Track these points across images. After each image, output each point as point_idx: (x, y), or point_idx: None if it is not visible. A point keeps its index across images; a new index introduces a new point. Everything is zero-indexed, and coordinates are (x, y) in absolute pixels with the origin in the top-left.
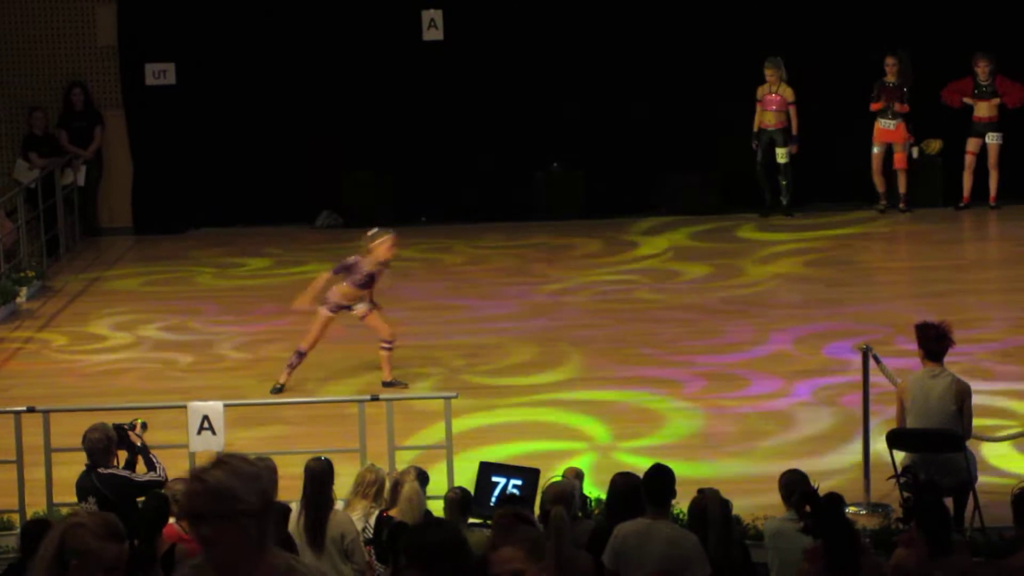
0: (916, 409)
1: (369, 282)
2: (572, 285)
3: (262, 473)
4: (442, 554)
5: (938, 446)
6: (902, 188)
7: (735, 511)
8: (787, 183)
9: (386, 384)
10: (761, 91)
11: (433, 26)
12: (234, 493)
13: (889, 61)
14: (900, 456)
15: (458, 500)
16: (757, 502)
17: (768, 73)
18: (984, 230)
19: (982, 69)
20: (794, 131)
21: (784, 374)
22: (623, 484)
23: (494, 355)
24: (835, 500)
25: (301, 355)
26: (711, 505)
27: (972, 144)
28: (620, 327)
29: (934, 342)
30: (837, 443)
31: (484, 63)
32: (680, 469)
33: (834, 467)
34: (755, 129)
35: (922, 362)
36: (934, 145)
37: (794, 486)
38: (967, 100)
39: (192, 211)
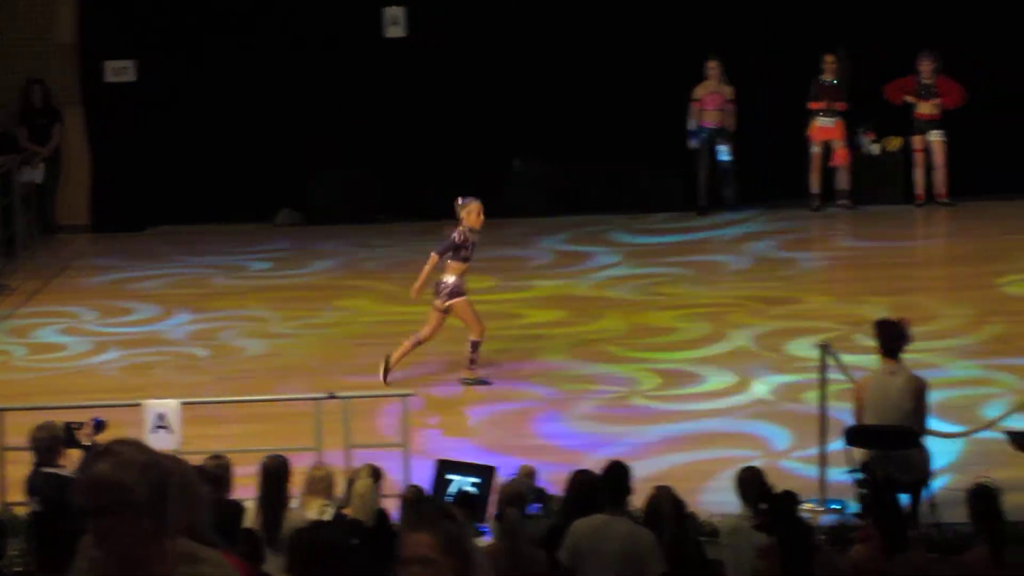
0: (874, 406)
1: (470, 253)
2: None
3: (158, 462)
4: (315, 556)
5: (896, 443)
6: (845, 185)
7: (691, 508)
8: (730, 180)
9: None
10: (700, 90)
11: (395, 23)
12: (122, 484)
13: (828, 58)
14: (858, 453)
15: (412, 499)
16: (713, 499)
17: (709, 69)
18: (934, 227)
19: (925, 68)
20: (732, 129)
21: (742, 371)
22: (580, 481)
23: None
24: (790, 497)
25: (476, 346)
26: (664, 503)
27: (918, 142)
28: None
29: (892, 339)
30: (794, 440)
31: (447, 60)
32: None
33: (791, 464)
34: (694, 128)
35: (880, 359)
36: (893, 142)
37: (749, 483)
38: (908, 98)
39: (151, 209)
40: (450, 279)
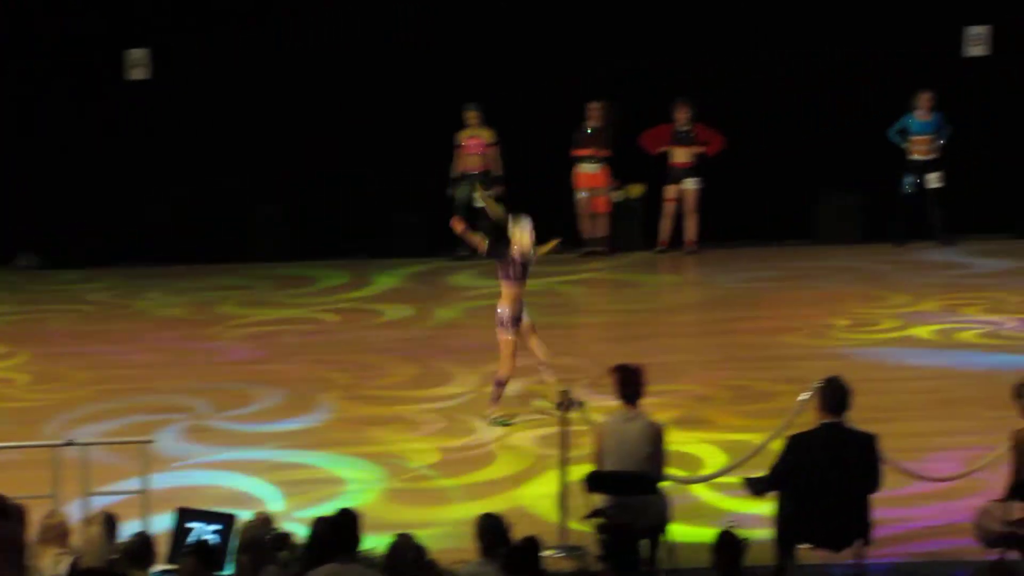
0: (612, 451)
1: (523, 273)
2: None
3: None
4: None
5: (634, 488)
6: (602, 232)
7: (432, 555)
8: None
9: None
10: (461, 136)
11: (138, 65)
12: None
13: (592, 106)
14: (597, 499)
15: (133, 548)
16: (454, 545)
17: (469, 117)
18: (682, 274)
19: (681, 116)
20: (496, 172)
21: (481, 416)
22: (317, 528)
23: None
24: (531, 544)
25: (500, 384)
26: (404, 550)
27: (671, 191)
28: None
29: (630, 385)
30: (534, 485)
31: (191, 102)
32: (377, 512)
33: (530, 510)
34: (455, 175)
35: (619, 405)
36: (635, 190)
37: (489, 530)
38: (662, 149)
39: None
40: (504, 310)
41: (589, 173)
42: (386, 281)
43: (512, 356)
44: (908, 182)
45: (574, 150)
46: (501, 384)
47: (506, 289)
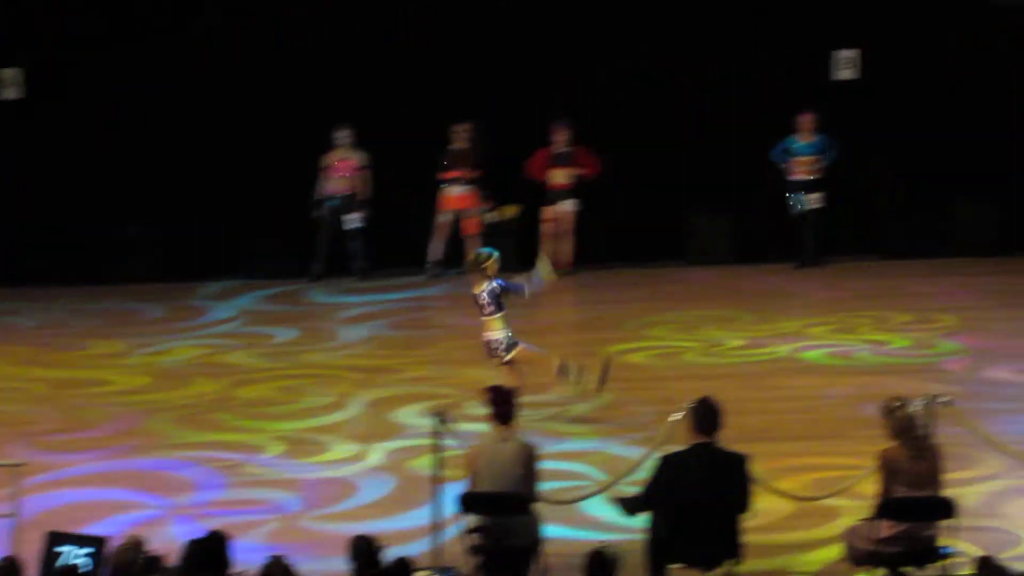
0: (486, 472)
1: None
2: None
3: None
4: None
5: (507, 509)
6: (470, 255)
7: None
8: (359, 248)
9: None
10: (329, 158)
11: (11, 84)
12: None
13: (459, 128)
14: (471, 519)
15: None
16: (324, 567)
17: (338, 139)
18: (559, 295)
19: (559, 137)
20: (364, 197)
21: (359, 437)
22: (192, 550)
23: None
24: (402, 565)
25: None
26: (275, 570)
27: (548, 212)
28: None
29: (503, 406)
30: (408, 507)
31: (65, 122)
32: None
33: (405, 531)
34: (319, 197)
35: (492, 426)
36: (509, 211)
37: (361, 551)
38: (539, 176)
39: None
40: (497, 335)
41: (456, 195)
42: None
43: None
44: (796, 199)
45: (440, 173)
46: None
47: (497, 319)
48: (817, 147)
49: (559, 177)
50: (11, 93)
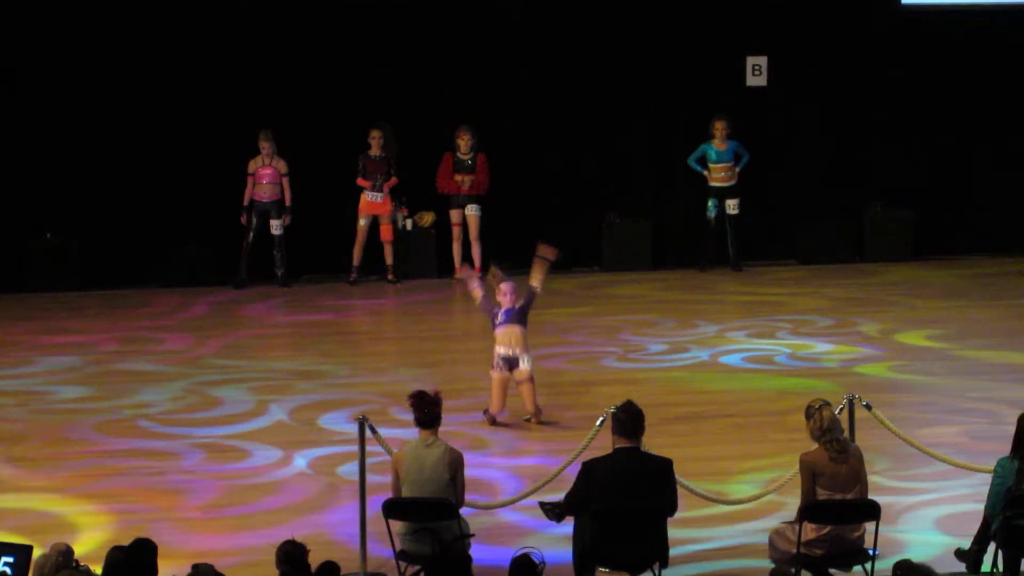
0: (411, 478)
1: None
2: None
3: None
4: None
5: (433, 514)
6: (389, 260)
7: None
8: (282, 255)
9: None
10: (254, 164)
11: None
12: None
13: (374, 134)
14: (396, 525)
15: None
16: (253, 574)
17: (263, 146)
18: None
19: (464, 141)
20: (287, 202)
21: (282, 444)
22: (115, 558)
23: None
24: (330, 570)
25: (492, 417)
26: None
27: (455, 216)
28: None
29: (426, 411)
30: (334, 513)
31: None
32: (174, 542)
33: (330, 537)
34: (246, 203)
35: (417, 431)
36: (427, 218)
37: (287, 556)
38: (456, 178)
39: None
40: (500, 350)
41: (373, 201)
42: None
43: (500, 394)
44: (713, 205)
45: (359, 180)
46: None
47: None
48: (730, 153)
49: (463, 182)
50: None
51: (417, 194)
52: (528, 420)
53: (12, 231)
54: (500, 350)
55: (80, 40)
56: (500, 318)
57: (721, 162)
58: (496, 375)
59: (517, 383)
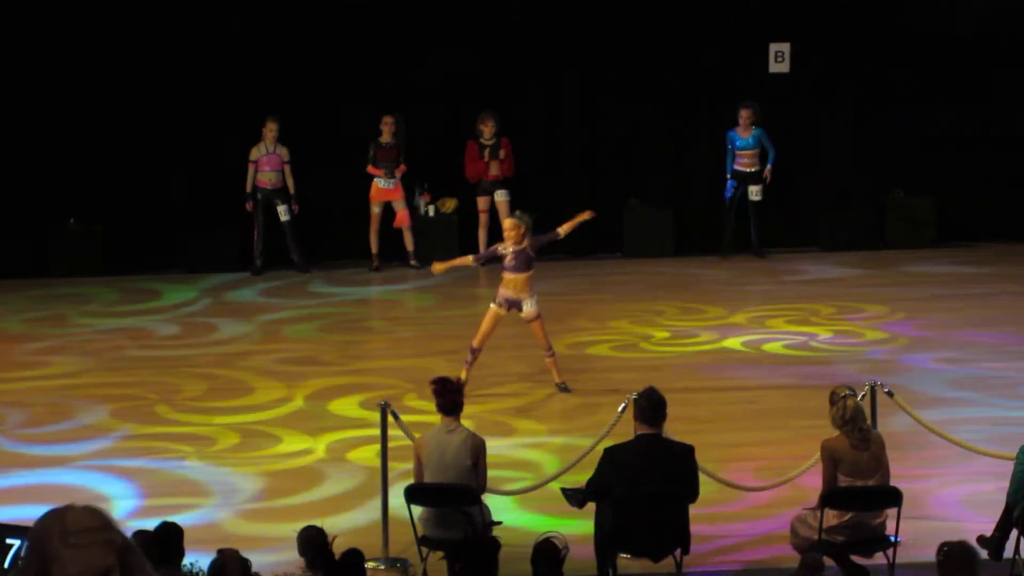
0: (433, 464)
1: (521, 262)
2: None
3: None
4: None
5: (454, 500)
6: (409, 246)
7: (255, 568)
8: (295, 241)
9: (559, 385)
10: (256, 151)
11: None
12: None
13: (387, 120)
14: (418, 511)
15: None
16: (277, 559)
17: (270, 128)
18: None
19: (486, 129)
20: (291, 190)
21: (307, 431)
22: (142, 540)
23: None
24: (354, 556)
25: (474, 352)
26: (229, 565)
27: (482, 203)
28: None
29: (448, 397)
30: (357, 499)
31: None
32: (200, 528)
33: (354, 523)
34: (249, 189)
35: (439, 417)
36: (449, 204)
37: (310, 542)
38: (479, 175)
39: None
40: (504, 291)
41: (385, 188)
42: (181, 295)
43: (487, 328)
44: (730, 185)
45: (369, 166)
46: (475, 352)
47: (509, 276)
48: (754, 141)
49: (490, 168)
50: None
51: (439, 180)
52: (559, 386)
53: (35, 217)
54: (504, 291)
55: (107, 29)
56: (510, 260)
57: (746, 149)
58: (493, 308)
59: (527, 323)
